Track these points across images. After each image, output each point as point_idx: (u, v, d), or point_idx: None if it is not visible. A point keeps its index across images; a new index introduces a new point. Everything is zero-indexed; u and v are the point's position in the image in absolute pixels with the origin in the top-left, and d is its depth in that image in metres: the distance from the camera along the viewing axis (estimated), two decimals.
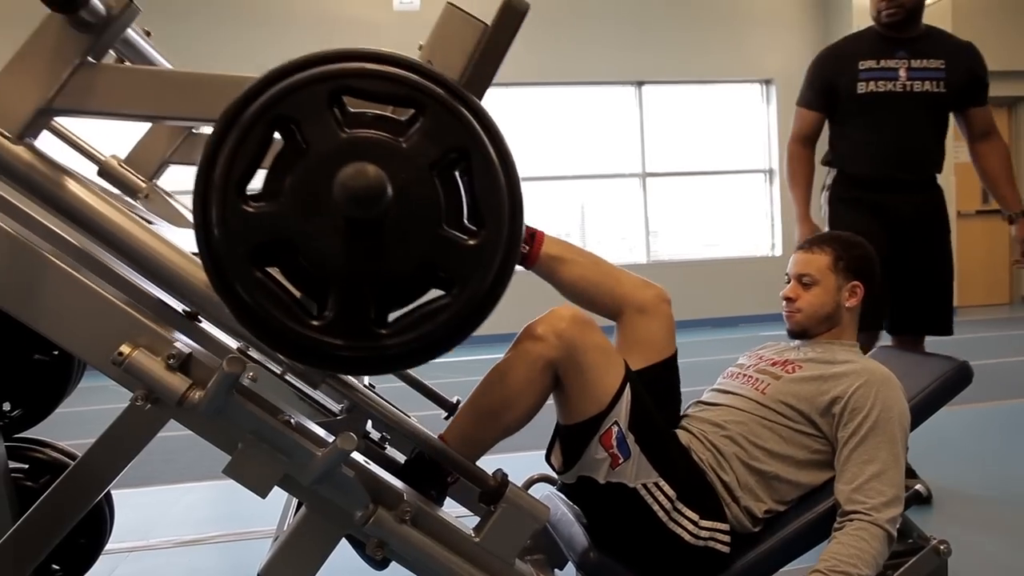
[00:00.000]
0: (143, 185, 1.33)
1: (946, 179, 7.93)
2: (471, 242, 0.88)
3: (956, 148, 7.47)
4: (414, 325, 0.89)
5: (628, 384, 1.34)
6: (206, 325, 1.36)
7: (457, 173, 0.89)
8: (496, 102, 6.93)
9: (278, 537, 1.16)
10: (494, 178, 0.88)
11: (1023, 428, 3.32)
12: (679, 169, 7.29)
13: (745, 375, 1.63)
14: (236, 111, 0.84)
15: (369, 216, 0.76)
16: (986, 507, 2.28)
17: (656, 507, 1.35)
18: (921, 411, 1.55)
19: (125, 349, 1.00)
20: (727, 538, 1.41)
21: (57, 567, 1.83)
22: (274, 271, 0.90)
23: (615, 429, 1.31)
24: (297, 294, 0.90)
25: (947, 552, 1.69)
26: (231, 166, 0.84)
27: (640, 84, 7.14)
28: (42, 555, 1.49)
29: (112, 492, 1.93)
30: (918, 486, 1.65)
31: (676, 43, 7.06)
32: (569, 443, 1.35)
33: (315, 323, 0.87)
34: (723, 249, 7.43)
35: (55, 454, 1.81)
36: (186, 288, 1.04)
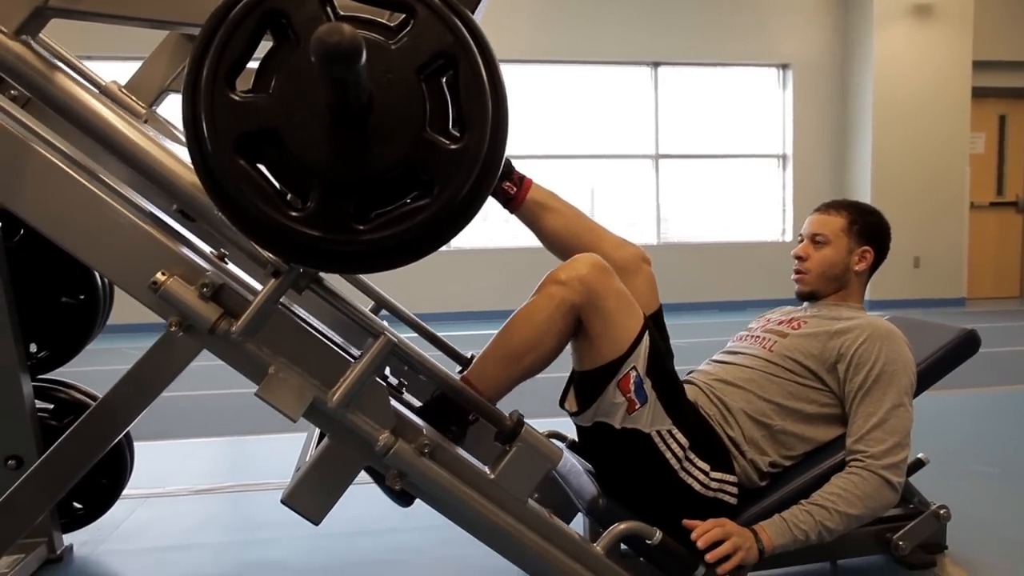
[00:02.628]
0: (142, 111, 1.35)
1: (960, 170, 7.84)
2: (453, 146, 0.90)
3: (973, 138, 7.43)
4: (393, 223, 0.91)
5: (647, 330, 1.38)
6: (233, 267, 1.40)
7: (445, 83, 0.91)
8: (511, 79, 6.92)
9: (299, 468, 1.20)
10: (480, 86, 0.90)
11: None
12: (692, 152, 7.26)
13: (753, 336, 1.66)
14: (231, 2, 0.86)
15: (343, 75, 0.76)
16: (987, 482, 2.31)
17: (669, 455, 1.39)
18: (930, 375, 1.58)
19: (160, 276, 1.04)
20: (735, 490, 1.45)
21: (79, 505, 1.90)
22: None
23: (633, 374, 1.34)
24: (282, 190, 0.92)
25: (947, 517, 1.73)
26: (221, 56, 0.86)
27: (656, 65, 7.10)
28: (67, 486, 1.54)
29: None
30: (920, 455, 1.68)
31: (693, 25, 7.01)
32: (586, 387, 1.38)
33: (295, 214, 0.90)
34: (733, 233, 7.41)
35: (79, 395, 1.86)
36: (173, 186, 1.08)
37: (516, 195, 1.43)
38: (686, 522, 1.36)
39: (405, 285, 6.38)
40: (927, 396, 1.54)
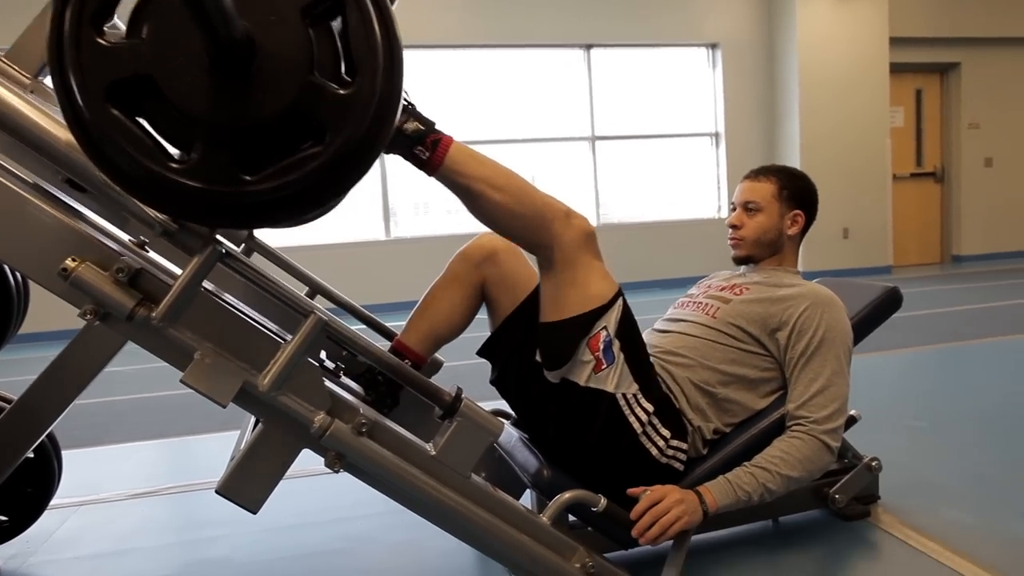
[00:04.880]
0: (27, 81, 1.27)
1: (882, 143, 8.14)
2: (342, 92, 0.86)
3: (892, 112, 7.73)
4: (282, 172, 0.86)
5: (621, 297, 1.41)
6: (155, 256, 1.34)
7: (336, 30, 0.87)
8: (443, 64, 6.86)
9: (234, 457, 1.16)
10: (368, 27, 0.87)
11: (950, 368, 3.51)
12: (628, 132, 7.35)
13: (695, 302, 1.69)
14: None
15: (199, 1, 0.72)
16: (916, 435, 2.42)
17: (633, 419, 1.40)
18: (859, 330, 1.64)
19: (70, 263, 0.98)
20: (685, 457, 1.47)
21: (4, 517, 1.80)
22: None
23: (603, 334, 1.36)
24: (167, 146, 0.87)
25: (878, 468, 1.80)
26: None
27: (589, 47, 7.14)
28: None
29: (62, 451, 1.90)
30: (852, 412, 1.74)
31: (624, 6, 7.07)
32: (555, 340, 1.39)
33: (175, 166, 0.85)
34: (670, 211, 7.54)
35: None
36: (49, 147, 1.02)
37: (429, 160, 1.29)
38: (631, 491, 1.37)
39: (347, 274, 6.32)
40: (858, 358, 1.60)
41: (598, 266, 1.38)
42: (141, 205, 0.97)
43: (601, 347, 1.36)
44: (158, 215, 0.99)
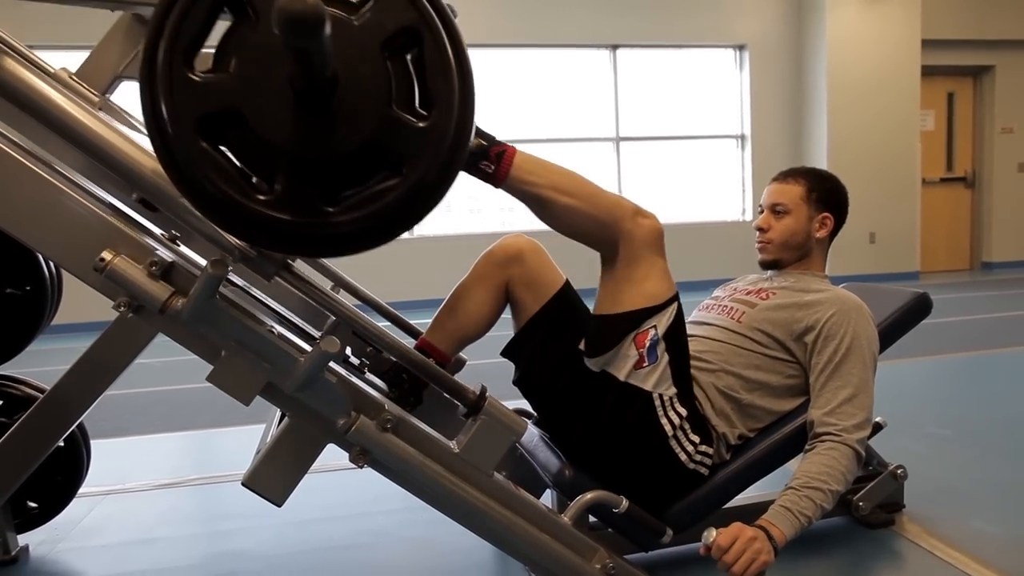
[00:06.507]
0: (96, 99, 1.30)
1: (912, 147, 7.99)
2: (420, 124, 0.88)
3: (923, 116, 7.61)
4: (362, 204, 0.89)
5: (677, 302, 1.42)
6: (185, 250, 1.37)
7: (410, 61, 0.89)
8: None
9: (260, 450, 1.18)
10: (445, 62, 0.88)
11: (977, 376, 3.45)
12: (653, 134, 7.31)
13: (721, 306, 1.67)
14: None
15: (306, 47, 0.73)
16: (941, 443, 2.38)
17: (664, 420, 1.41)
18: (887, 336, 1.61)
19: (107, 255, 1.01)
20: (711, 463, 1.47)
21: (34, 504, 1.84)
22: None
23: (651, 332, 1.38)
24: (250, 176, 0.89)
25: (903, 476, 1.78)
26: (177, 34, 0.83)
27: (615, 47, 7.12)
28: (17, 482, 1.50)
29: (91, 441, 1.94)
30: (877, 418, 1.72)
31: (651, 7, 7.04)
32: (604, 332, 1.40)
33: (262, 198, 0.87)
34: (694, 213, 7.49)
35: (30, 391, 1.80)
36: (133, 173, 1.04)
37: (495, 173, 1.31)
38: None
39: (370, 272, 6.35)
40: (883, 364, 1.57)
41: (661, 266, 1.40)
42: (220, 231, 1.00)
43: (647, 344, 1.38)
44: (236, 241, 1.02)
